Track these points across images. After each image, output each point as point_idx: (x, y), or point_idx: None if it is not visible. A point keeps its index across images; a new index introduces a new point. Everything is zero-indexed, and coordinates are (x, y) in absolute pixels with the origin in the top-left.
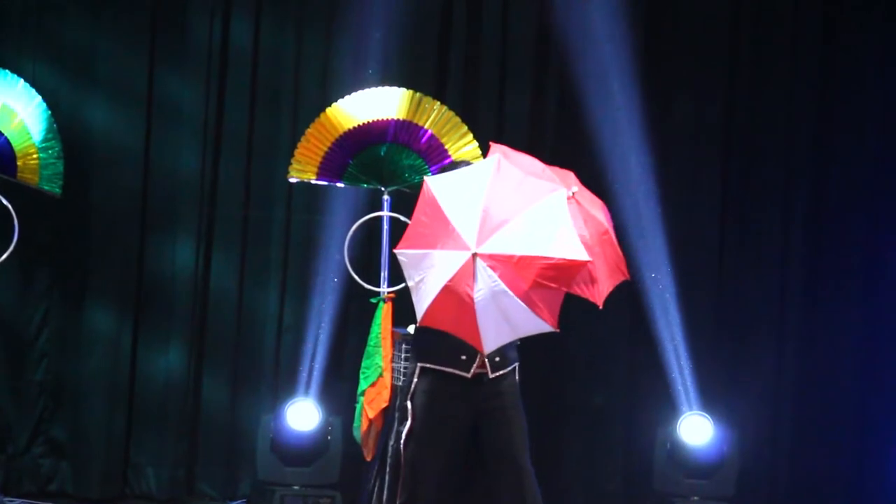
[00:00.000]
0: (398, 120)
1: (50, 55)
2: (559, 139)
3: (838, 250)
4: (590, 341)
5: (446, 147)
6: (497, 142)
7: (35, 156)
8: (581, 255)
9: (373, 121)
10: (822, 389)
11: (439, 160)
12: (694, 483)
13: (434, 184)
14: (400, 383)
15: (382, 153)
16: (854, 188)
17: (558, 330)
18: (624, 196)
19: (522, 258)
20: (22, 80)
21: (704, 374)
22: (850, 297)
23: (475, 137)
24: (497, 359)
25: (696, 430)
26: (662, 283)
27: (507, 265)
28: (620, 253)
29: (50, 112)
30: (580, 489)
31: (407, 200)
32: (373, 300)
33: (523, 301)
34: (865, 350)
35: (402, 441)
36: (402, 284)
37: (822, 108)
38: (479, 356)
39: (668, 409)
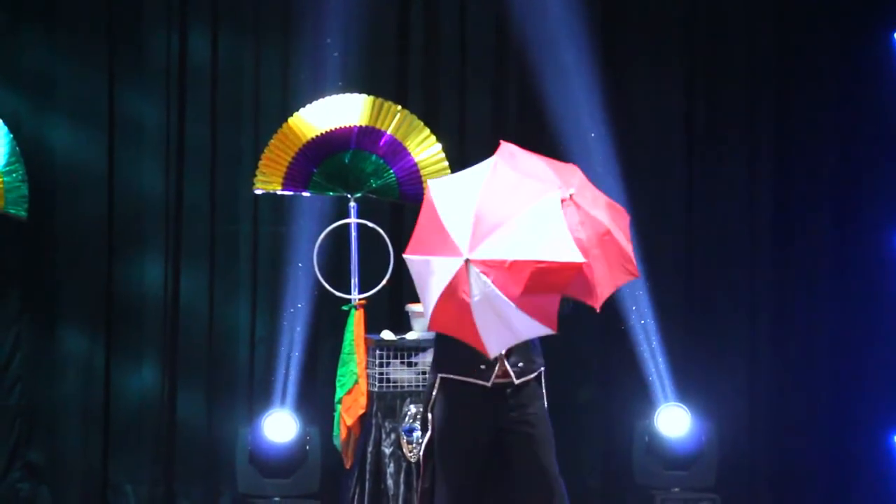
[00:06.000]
0: (360, 126)
1: (8, 78)
2: (522, 135)
3: (808, 239)
4: (563, 336)
5: (407, 147)
6: (462, 142)
7: None
8: (575, 256)
9: (335, 129)
10: (799, 375)
11: (402, 160)
12: (674, 475)
13: (434, 187)
14: (376, 389)
15: (347, 160)
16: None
17: (556, 332)
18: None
19: (515, 262)
20: None
21: (679, 364)
22: (824, 285)
23: (438, 139)
24: (521, 364)
25: (674, 421)
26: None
27: (500, 270)
28: (626, 251)
29: (12, 136)
30: None
31: (373, 206)
32: (344, 308)
33: (518, 305)
34: (842, 336)
35: (421, 452)
36: (373, 291)
37: (781, 61)
38: (498, 364)
39: (645, 401)
